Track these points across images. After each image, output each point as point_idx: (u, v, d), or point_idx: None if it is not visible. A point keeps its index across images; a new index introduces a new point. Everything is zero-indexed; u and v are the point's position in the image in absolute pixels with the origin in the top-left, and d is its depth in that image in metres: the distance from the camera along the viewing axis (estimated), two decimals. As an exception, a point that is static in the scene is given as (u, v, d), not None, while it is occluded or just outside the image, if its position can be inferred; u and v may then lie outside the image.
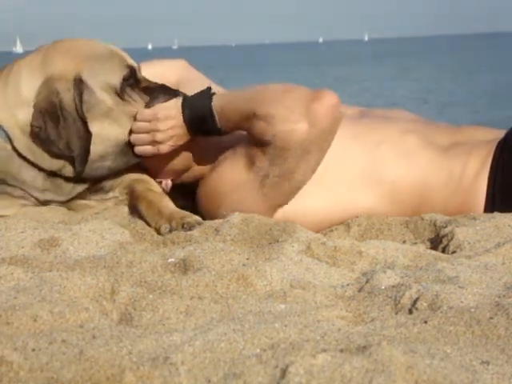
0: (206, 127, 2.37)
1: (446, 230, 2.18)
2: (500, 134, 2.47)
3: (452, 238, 2.13)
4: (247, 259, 1.91)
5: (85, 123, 2.29)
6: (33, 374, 1.25)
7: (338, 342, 1.33)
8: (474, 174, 2.36)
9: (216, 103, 2.36)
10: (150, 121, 2.37)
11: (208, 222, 2.27)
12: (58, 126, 2.27)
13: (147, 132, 2.38)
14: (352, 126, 2.37)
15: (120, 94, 2.36)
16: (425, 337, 1.41)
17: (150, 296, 1.64)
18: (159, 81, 2.63)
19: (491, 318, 1.46)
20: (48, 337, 1.35)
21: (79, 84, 2.29)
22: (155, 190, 2.50)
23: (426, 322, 1.46)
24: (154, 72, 2.95)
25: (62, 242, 2.08)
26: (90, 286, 1.68)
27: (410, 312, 1.58)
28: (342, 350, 1.27)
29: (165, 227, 2.26)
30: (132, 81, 2.40)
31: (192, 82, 2.97)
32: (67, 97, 2.27)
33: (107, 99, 2.34)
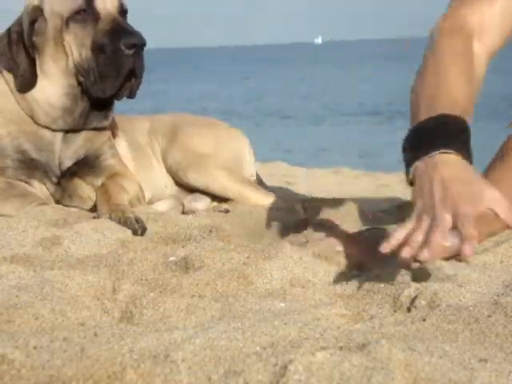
0: None
1: (445, 229, 2.18)
2: None
3: (451, 237, 2.13)
4: (247, 258, 1.91)
5: (33, 49, 2.42)
6: (34, 371, 1.25)
7: (338, 339, 1.34)
8: None
9: None
10: None
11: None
12: (11, 49, 2.42)
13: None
14: None
15: (66, 25, 2.41)
16: (423, 335, 1.41)
17: (151, 294, 1.65)
18: None
19: (489, 316, 1.46)
20: (49, 335, 1.36)
21: (35, 11, 2.42)
22: (126, 186, 2.51)
23: (424, 320, 1.46)
24: None
25: (64, 241, 2.08)
26: (92, 285, 1.69)
27: (409, 310, 1.59)
28: (341, 348, 1.28)
29: (104, 217, 2.28)
30: (85, 16, 2.40)
31: None
32: (26, 23, 2.42)
33: (53, 28, 2.41)
